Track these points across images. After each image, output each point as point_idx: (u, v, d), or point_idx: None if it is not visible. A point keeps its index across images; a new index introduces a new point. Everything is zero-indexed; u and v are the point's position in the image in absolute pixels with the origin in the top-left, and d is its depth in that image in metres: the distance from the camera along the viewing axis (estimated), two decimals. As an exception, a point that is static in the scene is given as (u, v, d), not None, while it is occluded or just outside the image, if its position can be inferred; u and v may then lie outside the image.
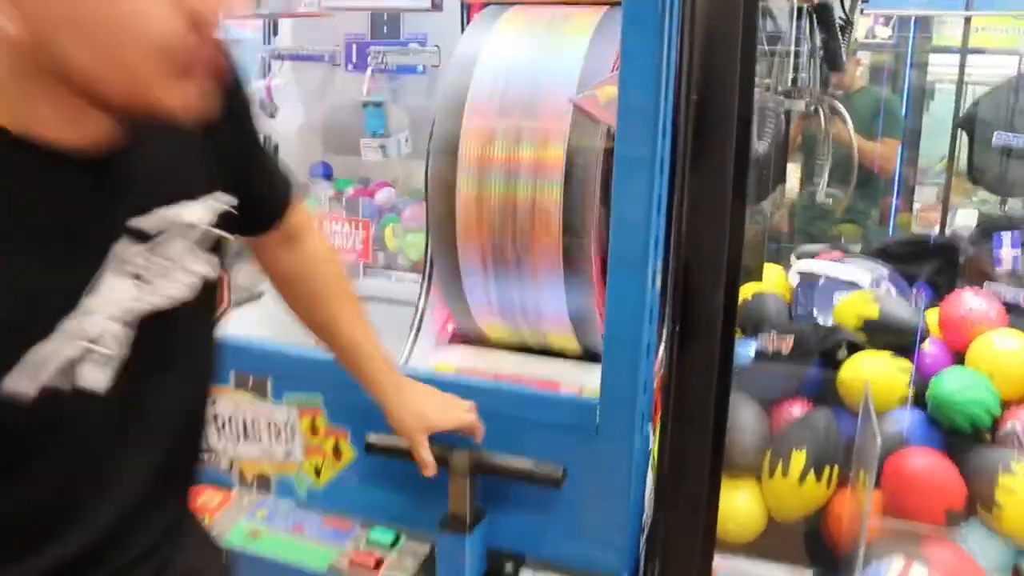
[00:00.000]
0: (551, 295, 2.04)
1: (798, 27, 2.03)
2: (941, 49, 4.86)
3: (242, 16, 2.74)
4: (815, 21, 2.07)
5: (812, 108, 2.37)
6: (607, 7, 2.20)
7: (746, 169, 1.60)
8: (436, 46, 2.93)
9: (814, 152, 3.07)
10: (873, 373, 1.78)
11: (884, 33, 4.98)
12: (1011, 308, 1.91)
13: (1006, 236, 2.15)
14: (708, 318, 1.43)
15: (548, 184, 2.02)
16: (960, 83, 4.52)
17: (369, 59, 2.52)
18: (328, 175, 3.24)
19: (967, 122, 3.92)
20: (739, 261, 1.44)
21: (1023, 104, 3.58)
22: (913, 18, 4.59)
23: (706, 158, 1.50)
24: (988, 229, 2.29)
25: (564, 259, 2.01)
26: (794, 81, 2.06)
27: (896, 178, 4.45)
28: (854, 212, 3.88)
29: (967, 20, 4.26)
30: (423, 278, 2.31)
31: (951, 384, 1.71)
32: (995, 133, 3.30)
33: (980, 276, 2.16)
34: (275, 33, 3.08)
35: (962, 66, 4.48)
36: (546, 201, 2.02)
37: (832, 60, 2.11)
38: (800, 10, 1.99)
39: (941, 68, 5.07)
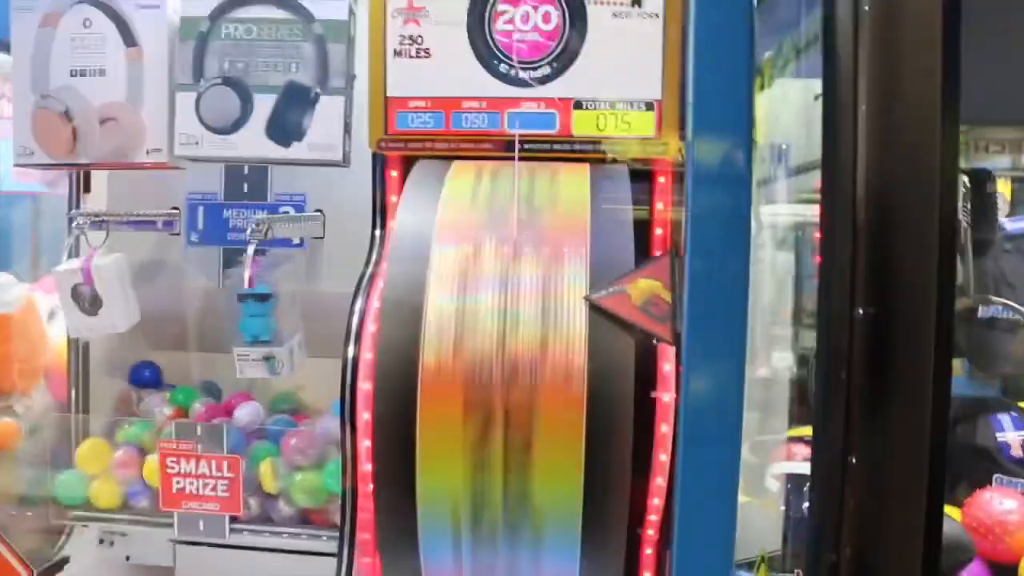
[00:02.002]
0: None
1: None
2: None
3: (46, 166, 1.95)
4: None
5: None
6: (587, 164, 1.66)
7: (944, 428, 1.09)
8: (318, 211, 2.22)
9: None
10: None
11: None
12: None
13: None
14: None
15: (560, 437, 1.36)
16: None
17: (249, 229, 1.77)
18: (155, 381, 2.38)
19: None
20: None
21: None
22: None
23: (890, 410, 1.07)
24: None
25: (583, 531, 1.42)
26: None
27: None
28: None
29: None
30: (341, 539, 1.64)
31: None
32: None
33: None
34: (87, 189, 2.27)
35: None
36: (558, 456, 1.36)
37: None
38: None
39: None
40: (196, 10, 1.86)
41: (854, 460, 1.08)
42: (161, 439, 2.01)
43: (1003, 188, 2.77)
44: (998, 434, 1.91)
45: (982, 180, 1.66)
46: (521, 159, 1.65)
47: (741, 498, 1.33)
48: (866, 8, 1.07)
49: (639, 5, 1.67)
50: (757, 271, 2.05)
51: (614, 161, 1.68)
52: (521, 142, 1.67)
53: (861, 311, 1.06)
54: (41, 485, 2.17)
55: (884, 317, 1.06)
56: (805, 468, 1.32)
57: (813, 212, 1.22)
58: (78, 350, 2.37)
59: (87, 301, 2.00)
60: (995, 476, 1.80)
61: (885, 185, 1.06)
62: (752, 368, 2.14)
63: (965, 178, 1.61)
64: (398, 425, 1.42)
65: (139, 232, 2.24)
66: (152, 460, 2.07)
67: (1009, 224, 2.09)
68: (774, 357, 2.20)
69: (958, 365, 2.11)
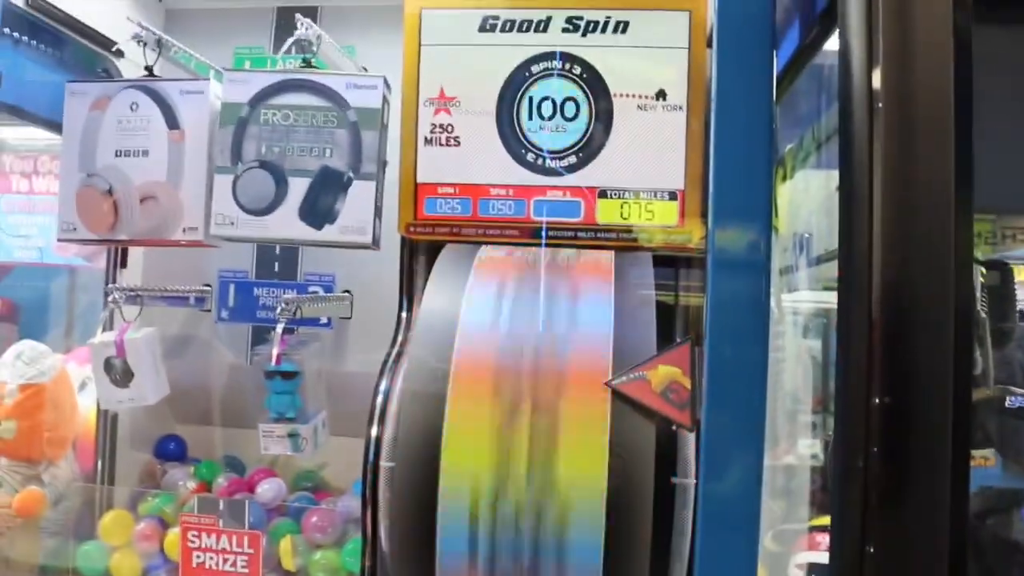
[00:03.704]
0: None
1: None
2: None
3: (87, 241, 2.01)
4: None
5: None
6: (613, 251, 1.67)
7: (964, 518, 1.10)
8: (347, 291, 2.26)
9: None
10: None
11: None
12: None
13: None
14: None
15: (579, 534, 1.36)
16: None
17: (279, 308, 1.81)
18: (180, 454, 2.40)
19: None
20: None
21: None
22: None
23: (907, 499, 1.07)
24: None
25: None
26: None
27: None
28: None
29: None
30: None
31: None
32: None
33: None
34: (123, 265, 2.33)
35: None
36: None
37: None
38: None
39: None
40: (237, 96, 1.93)
41: (872, 550, 1.07)
42: (183, 512, 2.01)
43: (1029, 277, 2.77)
44: (1028, 527, 1.87)
45: (999, 271, 1.67)
46: (547, 245, 1.69)
47: (762, 587, 1.31)
48: (879, 105, 1.11)
49: (664, 98, 1.71)
50: (778, 359, 2.06)
51: (638, 248, 1.71)
52: (547, 229, 1.71)
53: (877, 401, 1.07)
54: (63, 555, 2.18)
55: (901, 407, 1.07)
56: (827, 558, 1.30)
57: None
58: (107, 421, 2.39)
59: (119, 373, 2.03)
60: (1027, 574, 1.77)
61: (899, 276, 1.07)
62: (775, 455, 2.13)
63: (982, 269, 1.62)
64: (417, 507, 1.42)
65: (171, 307, 2.30)
66: (174, 533, 2.07)
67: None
68: (800, 444, 2.19)
69: (992, 455, 2.09)
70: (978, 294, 1.63)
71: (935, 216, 1.08)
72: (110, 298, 2.07)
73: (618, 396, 1.39)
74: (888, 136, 1.10)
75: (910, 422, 1.05)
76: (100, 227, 2.02)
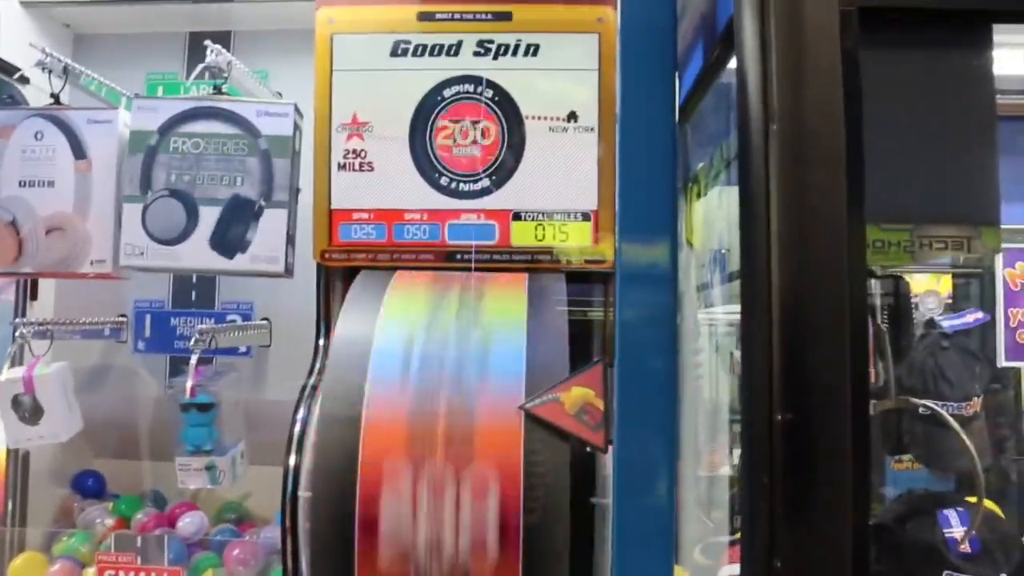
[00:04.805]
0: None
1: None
2: None
3: (-8, 275, 1.95)
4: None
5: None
6: (525, 273, 1.68)
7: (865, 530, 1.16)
8: (266, 319, 2.23)
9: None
10: None
11: None
12: None
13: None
14: None
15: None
16: None
17: (193, 340, 1.77)
18: (99, 490, 2.34)
19: None
20: None
21: None
22: None
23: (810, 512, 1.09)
24: None
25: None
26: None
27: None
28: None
29: None
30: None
31: None
32: None
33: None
34: (33, 297, 2.26)
35: None
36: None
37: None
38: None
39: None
40: (145, 124, 1.90)
41: (779, 564, 1.09)
42: (100, 552, 1.96)
43: (946, 285, 2.84)
44: (945, 530, 1.92)
45: (895, 284, 1.72)
46: (461, 269, 1.69)
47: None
48: (774, 127, 1.14)
49: (575, 120, 1.73)
50: (698, 375, 2.08)
51: (553, 269, 1.72)
52: (461, 252, 1.71)
53: (779, 417, 1.09)
54: (-26, 601, 2.10)
55: (802, 422, 1.09)
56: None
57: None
58: (17, 458, 2.32)
59: (28, 411, 1.97)
60: (945, 573, 1.80)
61: (794, 292, 1.10)
62: (706, 467, 2.15)
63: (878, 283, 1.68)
64: (337, 535, 1.40)
65: (86, 339, 2.24)
66: (90, 573, 2.02)
67: (946, 322, 2.16)
68: (735, 455, 2.21)
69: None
70: (878, 307, 1.68)
71: (829, 232, 1.10)
72: (17, 332, 2.01)
73: (531, 418, 1.39)
74: (783, 156, 1.12)
75: (810, 436, 1.07)
76: (3, 260, 1.96)
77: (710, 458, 2.20)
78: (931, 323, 2.00)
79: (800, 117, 1.14)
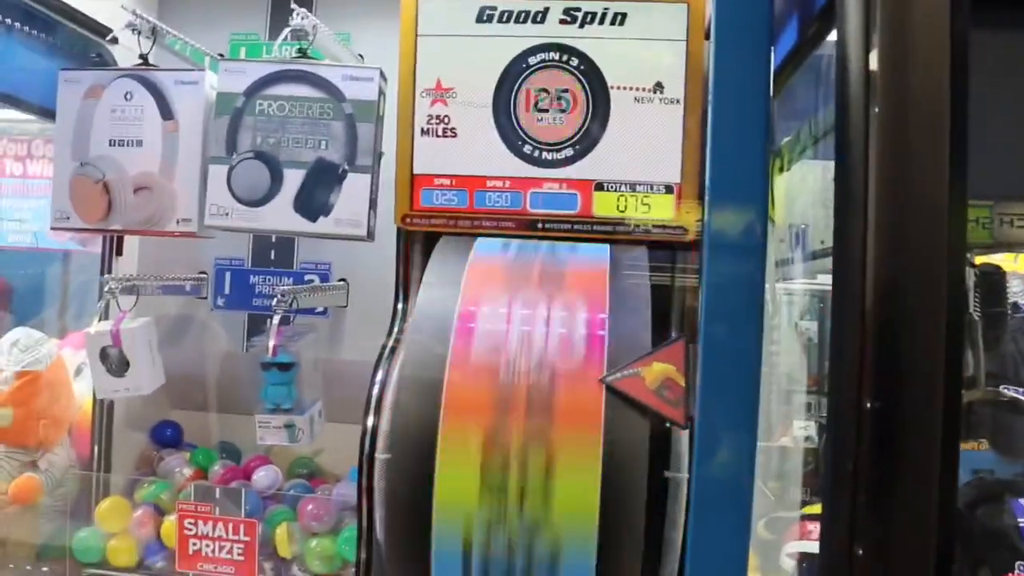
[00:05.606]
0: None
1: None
2: None
3: (81, 230, 2.01)
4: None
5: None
6: (607, 244, 1.67)
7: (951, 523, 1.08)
8: (343, 280, 2.27)
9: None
10: None
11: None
12: None
13: None
14: None
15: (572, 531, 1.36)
16: None
17: (275, 300, 1.82)
18: (176, 440, 2.42)
19: None
20: None
21: None
22: None
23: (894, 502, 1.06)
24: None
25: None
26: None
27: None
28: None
29: None
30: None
31: None
32: None
33: None
34: (119, 252, 2.33)
35: None
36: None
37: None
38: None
39: None
40: (232, 86, 1.92)
41: (860, 551, 1.09)
42: (180, 500, 2.03)
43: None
44: (1020, 519, 1.89)
45: (991, 273, 1.68)
46: (542, 238, 1.69)
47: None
48: (875, 110, 1.11)
49: (661, 91, 1.71)
50: (771, 350, 2.07)
51: (632, 241, 1.71)
52: (542, 221, 1.72)
53: (868, 405, 1.08)
54: (60, 540, 2.21)
55: (891, 411, 1.08)
56: (817, 548, 1.31)
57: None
58: (102, 407, 2.41)
59: (115, 363, 2.04)
60: (1017, 563, 1.78)
61: (891, 279, 1.08)
62: (769, 439, 2.14)
63: (975, 271, 1.63)
64: (413, 499, 1.43)
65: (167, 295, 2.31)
66: (170, 520, 2.10)
67: (1026, 305, 2.10)
68: (795, 425, 2.20)
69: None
70: (971, 297, 1.65)
71: (929, 221, 1.08)
72: (105, 288, 2.07)
73: (612, 392, 1.40)
74: (883, 139, 1.10)
75: (899, 426, 1.06)
76: (93, 216, 2.02)
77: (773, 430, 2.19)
78: (1015, 307, 1.95)
79: (904, 102, 1.11)
